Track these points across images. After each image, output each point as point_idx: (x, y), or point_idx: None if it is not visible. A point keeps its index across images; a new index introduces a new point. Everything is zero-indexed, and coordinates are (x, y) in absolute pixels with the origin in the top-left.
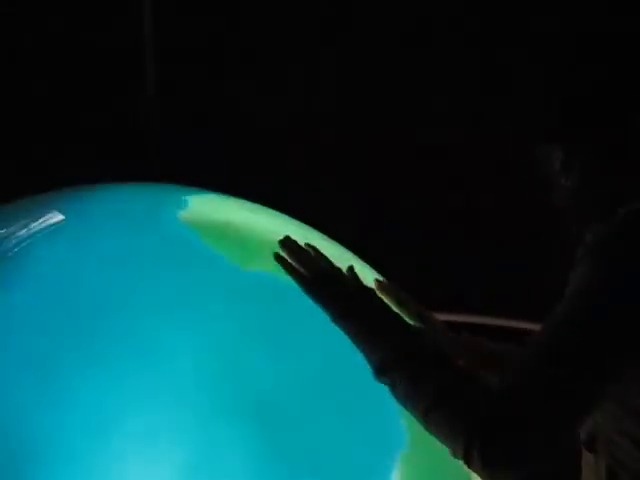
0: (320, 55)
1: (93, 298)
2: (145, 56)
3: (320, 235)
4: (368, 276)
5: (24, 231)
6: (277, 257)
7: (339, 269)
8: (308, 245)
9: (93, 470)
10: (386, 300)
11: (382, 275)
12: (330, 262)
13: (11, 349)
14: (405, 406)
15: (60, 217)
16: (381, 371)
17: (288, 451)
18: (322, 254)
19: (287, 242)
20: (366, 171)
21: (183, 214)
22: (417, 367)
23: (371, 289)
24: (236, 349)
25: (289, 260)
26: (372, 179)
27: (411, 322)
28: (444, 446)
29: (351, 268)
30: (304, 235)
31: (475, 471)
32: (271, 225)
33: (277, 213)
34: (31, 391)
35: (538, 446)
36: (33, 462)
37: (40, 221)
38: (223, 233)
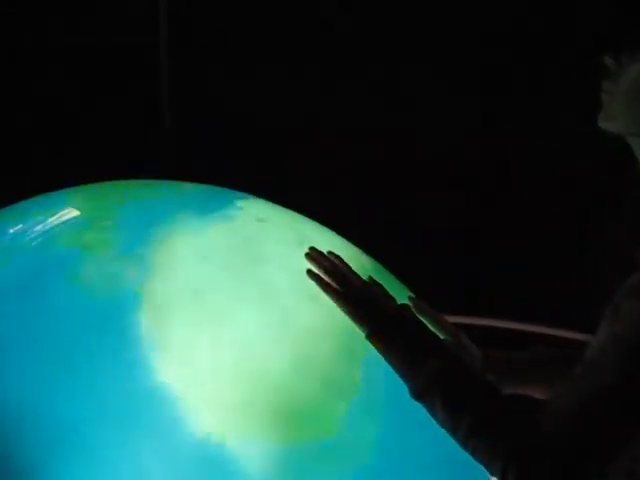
0: (320, 55)
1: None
2: (145, 57)
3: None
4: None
5: (40, 226)
6: (309, 273)
7: (367, 282)
8: (332, 255)
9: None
10: (420, 318)
11: (381, 275)
12: (357, 274)
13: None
14: (443, 427)
15: (75, 213)
16: (419, 394)
17: None
18: (348, 265)
19: (314, 255)
20: (366, 171)
21: None
22: (455, 392)
23: (406, 306)
24: None
25: (319, 273)
26: (372, 179)
27: (444, 340)
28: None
29: (371, 278)
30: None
31: None
32: None
33: None
34: (54, 383)
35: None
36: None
37: (57, 216)
38: None
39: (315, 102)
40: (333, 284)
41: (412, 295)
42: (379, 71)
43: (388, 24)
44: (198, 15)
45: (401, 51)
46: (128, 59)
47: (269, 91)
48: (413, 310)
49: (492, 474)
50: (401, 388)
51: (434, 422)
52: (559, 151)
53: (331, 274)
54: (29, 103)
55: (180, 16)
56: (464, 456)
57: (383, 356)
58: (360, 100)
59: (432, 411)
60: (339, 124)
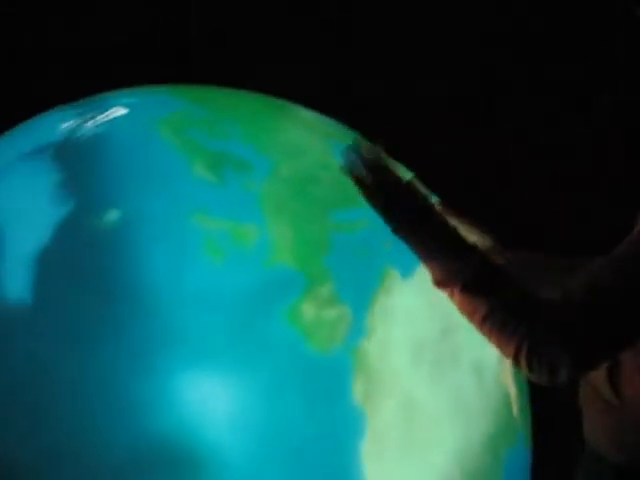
0: (320, 55)
1: None
2: (143, 58)
3: None
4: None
5: (91, 122)
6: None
7: (400, 179)
8: (372, 151)
9: None
10: (446, 216)
11: None
12: (389, 170)
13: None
14: (462, 313)
15: (124, 111)
16: (440, 283)
17: None
18: (384, 161)
19: (355, 147)
20: None
21: None
22: (474, 280)
23: (433, 203)
24: None
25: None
26: None
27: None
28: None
29: (410, 179)
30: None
31: (520, 372)
32: None
33: None
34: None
35: (576, 363)
36: None
37: (106, 114)
38: None
39: (315, 102)
40: (365, 176)
41: (441, 200)
42: (379, 71)
43: (388, 24)
44: (197, 15)
45: (401, 51)
46: (128, 59)
47: (269, 91)
48: (440, 210)
49: (505, 356)
50: None
51: None
52: (559, 151)
53: (364, 165)
54: (29, 103)
55: (179, 15)
56: None
57: (408, 247)
58: (360, 100)
59: (451, 296)
60: (341, 123)
